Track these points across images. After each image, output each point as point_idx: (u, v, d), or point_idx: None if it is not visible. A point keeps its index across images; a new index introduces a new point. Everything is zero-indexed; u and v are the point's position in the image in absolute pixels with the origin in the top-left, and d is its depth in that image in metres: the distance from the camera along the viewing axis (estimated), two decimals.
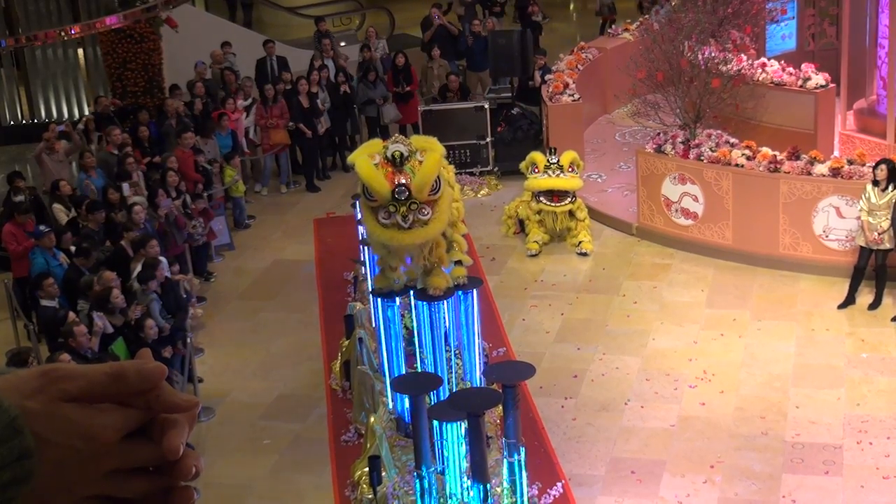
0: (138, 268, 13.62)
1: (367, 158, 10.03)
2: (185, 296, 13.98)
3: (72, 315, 12.22)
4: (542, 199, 16.32)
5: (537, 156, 16.53)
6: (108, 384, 1.32)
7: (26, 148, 20.67)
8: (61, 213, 15.23)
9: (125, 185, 15.84)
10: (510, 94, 20.77)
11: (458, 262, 11.26)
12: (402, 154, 9.91)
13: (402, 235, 10.03)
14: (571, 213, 16.35)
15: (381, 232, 10.06)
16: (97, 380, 1.32)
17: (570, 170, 16.24)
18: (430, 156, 10.01)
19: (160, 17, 19.86)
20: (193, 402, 1.38)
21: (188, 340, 13.07)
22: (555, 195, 16.25)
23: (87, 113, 21.78)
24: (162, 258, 13.89)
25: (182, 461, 1.35)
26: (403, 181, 9.86)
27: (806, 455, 11.39)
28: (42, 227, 14.41)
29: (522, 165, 16.69)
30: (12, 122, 23.94)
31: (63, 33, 18.46)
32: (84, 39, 22.56)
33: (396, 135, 10.72)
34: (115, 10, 19.30)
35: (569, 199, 16.29)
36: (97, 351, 12.01)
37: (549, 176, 16.24)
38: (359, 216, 13.86)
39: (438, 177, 10.11)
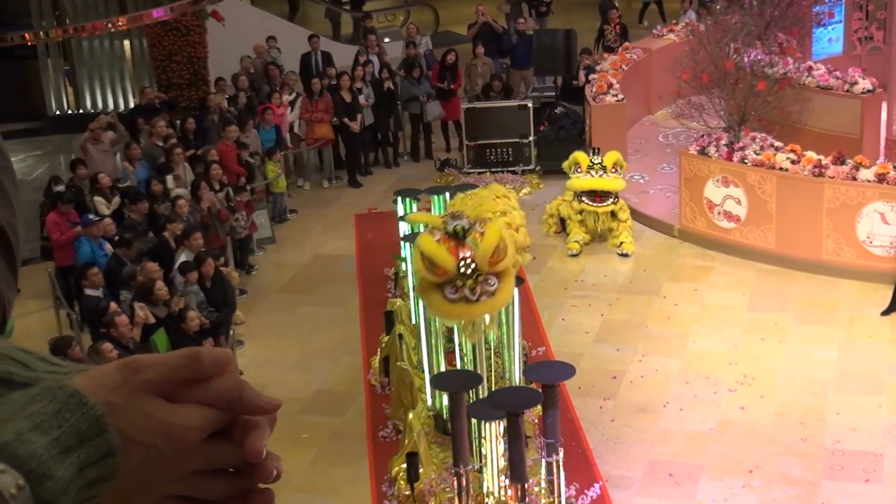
0: (181, 258, 13.68)
1: (427, 234, 9.93)
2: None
3: (114, 305, 12.28)
4: (584, 199, 16.27)
5: (580, 156, 16.47)
6: (188, 367, 1.32)
7: (72, 138, 20.77)
8: (102, 205, 15.31)
9: (169, 178, 15.91)
10: (553, 93, 20.73)
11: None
12: (464, 228, 9.77)
13: (469, 309, 9.85)
14: (613, 214, 16.29)
15: (449, 309, 9.87)
16: (177, 364, 1.32)
17: (612, 170, 16.17)
18: (490, 227, 9.84)
19: (206, 11, 19.95)
20: (275, 404, 1.37)
21: (230, 333, 13.11)
22: (597, 196, 16.19)
23: (132, 104, 21.92)
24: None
25: (264, 463, 1.35)
26: (468, 254, 9.74)
27: (846, 462, 11.31)
28: (91, 216, 14.49)
29: (565, 165, 16.63)
30: (58, 112, 24.11)
31: (110, 25, 18.57)
32: (130, 31, 22.68)
33: (454, 210, 10.50)
34: (162, 3, 19.38)
35: (611, 200, 16.23)
36: (139, 341, 12.05)
37: (592, 176, 16.18)
38: (400, 212, 13.88)
39: (502, 245, 9.89)
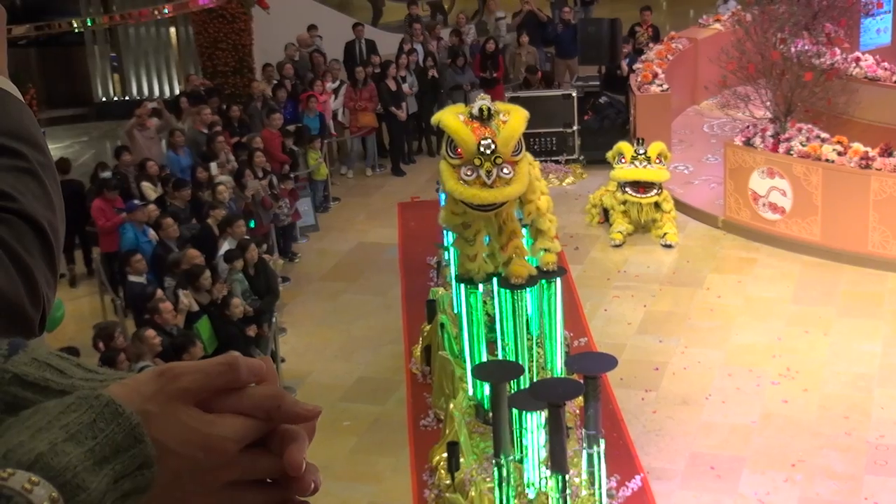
0: (225, 246, 13.71)
1: (453, 114, 10.15)
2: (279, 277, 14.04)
3: (159, 292, 12.32)
4: (627, 189, 16.20)
5: (624, 146, 16.39)
6: (224, 374, 1.30)
7: (118, 124, 20.89)
8: (150, 191, 15.37)
9: (213, 165, 15.96)
10: (598, 83, 20.65)
11: (547, 250, 11.20)
12: (489, 108, 10.01)
13: (484, 193, 9.99)
14: (657, 205, 16.20)
15: (463, 190, 10.00)
16: (213, 370, 1.30)
17: (657, 161, 16.08)
18: (514, 114, 10.15)
19: None
20: (315, 411, 1.35)
21: (273, 321, 13.15)
22: (641, 186, 16.11)
23: (177, 91, 22.01)
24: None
25: (303, 476, 1.33)
26: (489, 136, 9.89)
27: (890, 457, 11.20)
28: (136, 202, 14.55)
29: (609, 155, 16.57)
30: (104, 99, 24.25)
31: (156, 12, 18.65)
32: (176, 18, 22.78)
33: (481, 94, 10.71)
34: None
35: (655, 191, 16.15)
36: (182, 328, 12.10)
37: (636, 167, 16.11)
38: (443, 202, 13.86)
39: (521, 138, 10.18)
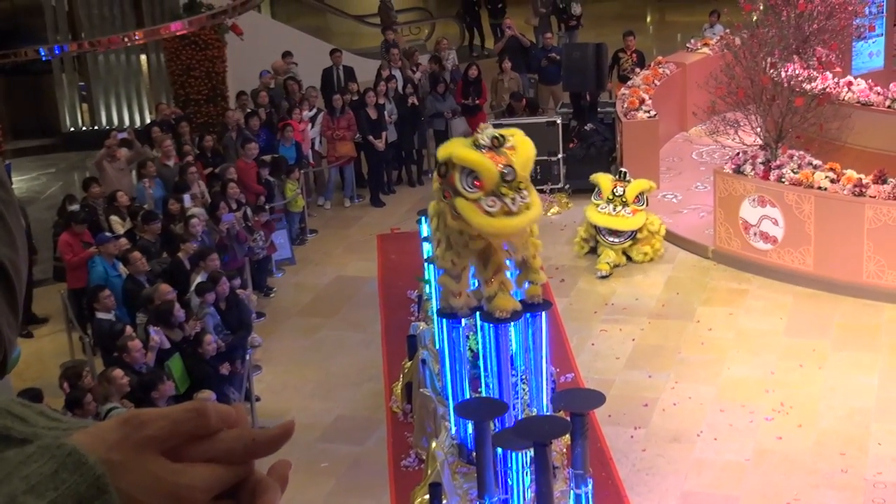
0: (197, 280, 13.41)
1: (463, 146, 10.04)
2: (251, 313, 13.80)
3: (128, 329, 12.05)
4: (602, 232, 16.09)
5: (603, 180, 16.35)
6: (192, 420, 1.28)
7: (87, 155, 20.65)
8: (117, 224, 15.07)
9: (186, 197, 15.64)
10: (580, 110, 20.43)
11: (532, 282, 10.95)
12: (502, 136, 9.93)
13: (511, 221, 9.88)
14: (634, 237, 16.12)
15: (490, 222, 9.87)
16: (180, 417, 1.28)
17: (635, 202, 15.95)
18: (519, 137, 10.12)
19: (226, 25, 19.70)
20: (289, 425, 1.33)
21: (247, 358, 12.86)
22: (613, 232, 16.00)
23: (148, 120, 21.69)
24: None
25: None
26: (507, 162, 9.83)
27: (888, 495, 11.01)
28: (107, 234, 14.24)
29: (592, 179, 16.50)
30: (73, 129, 23.93)
31: (127, 39, 18.37)
32: (147, 45, 22.57)
33: (482, 124, 10.63)
34: (181, 17, 19.14)
35: (627, 237, 16.07)
36: (152, 366, 11.78)
37: (610, 213, 16.01)
38: (424, 233, 13.60)
39: None
